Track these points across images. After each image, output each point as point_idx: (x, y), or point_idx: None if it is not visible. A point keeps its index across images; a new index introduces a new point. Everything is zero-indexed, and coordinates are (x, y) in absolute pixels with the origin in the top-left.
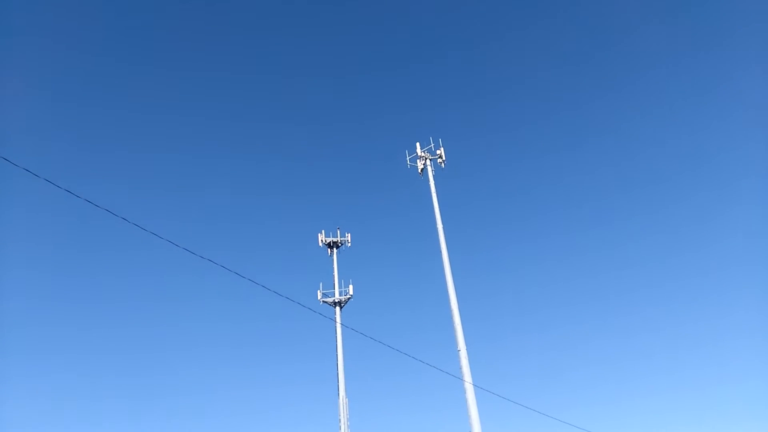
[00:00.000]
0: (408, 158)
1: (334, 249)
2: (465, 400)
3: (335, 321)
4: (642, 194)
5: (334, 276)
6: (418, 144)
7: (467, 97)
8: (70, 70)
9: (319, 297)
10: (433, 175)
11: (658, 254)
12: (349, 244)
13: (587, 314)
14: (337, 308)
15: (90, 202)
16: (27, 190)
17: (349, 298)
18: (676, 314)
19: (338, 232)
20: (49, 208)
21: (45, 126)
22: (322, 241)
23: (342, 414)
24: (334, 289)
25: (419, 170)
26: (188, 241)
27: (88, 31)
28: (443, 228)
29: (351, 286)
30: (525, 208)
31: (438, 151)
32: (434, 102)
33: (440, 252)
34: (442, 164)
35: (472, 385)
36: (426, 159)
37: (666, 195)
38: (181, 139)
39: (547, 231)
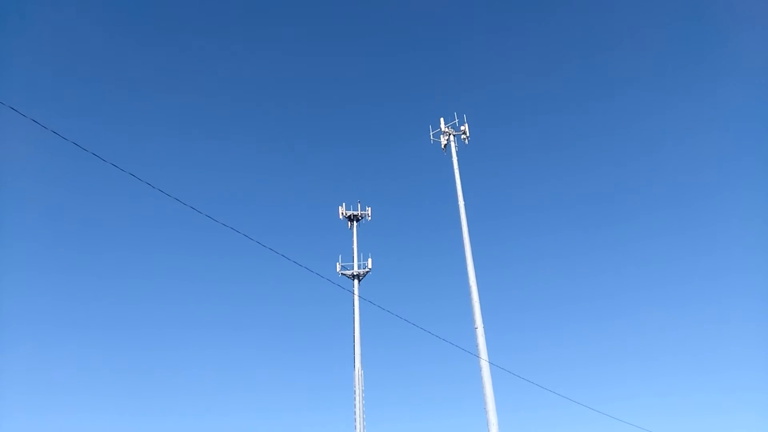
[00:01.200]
0: (431, 133)
1: (354, 222)
2: (480, 377)
3: (353, 293)
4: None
5: (353, 249)
6: (442, 119)
7: (495, 78)
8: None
9: (338, 269)
10: (456, 152)
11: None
12: (369, 218)
13: (611, 308)
14: (356, 281)
15: (135, 175)
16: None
17: (367, 272)
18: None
19: (359, 205)
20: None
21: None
22: (342, 213)
23: (357, 385)
24: (353, 262)
25: (443, 146)
26: (210, 208)
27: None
28: (465, 205)
29: (370, 260)
30: (542, 197)
31: (462, 127)
32: (461, 81)
33: (460, 229)
34: (466, 140)
35: (487, 363)
36: (450, 134)
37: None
38: (203, 120)
39: (566, 222)
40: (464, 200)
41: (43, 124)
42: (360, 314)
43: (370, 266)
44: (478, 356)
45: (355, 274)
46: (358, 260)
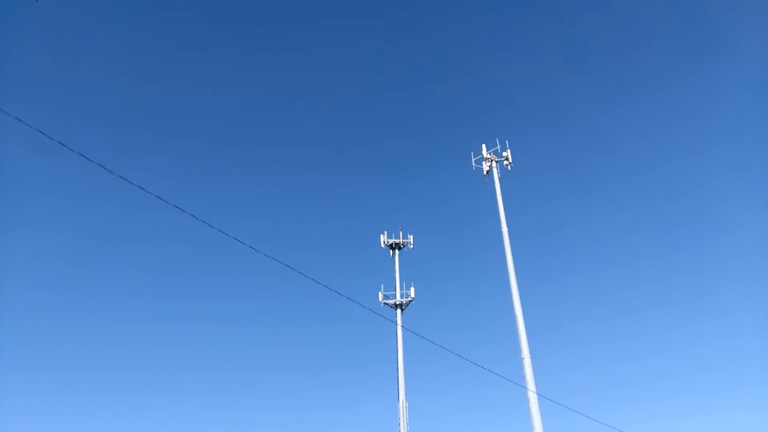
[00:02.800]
0: (473, 160)
1: (396, 250)
2: (528, 410)
3: (396, 323)
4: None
5: (395, 278)
6: (483, 146)
7: (536, 100)
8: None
9: (380, 299)
10: (499, 178)
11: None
12: (411, 246)
13: (658, 324)
14: (398, 310)
15: (144, 189)
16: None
17: (410, 301)
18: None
19: (400, 233)
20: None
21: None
22: (384, 242)
23: (402, 417)
24: (395, 291)
25: (485, 172)
26: (251, 239)
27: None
28: (508, 231)
29: (413, 289)
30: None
31: (504, 153)
32: (501, 104)
33: (504, 256)
34: (509, 166)
35: (535, 395)
36: (492, 161)
37: None
38: (243, 136)
39: (613, 233)
40: (508, 227)
41: (48, 135)
42: (403, 344)
43: (412, 295)
44: (525, 387)
45: (397, 303)
46: (401, 289)
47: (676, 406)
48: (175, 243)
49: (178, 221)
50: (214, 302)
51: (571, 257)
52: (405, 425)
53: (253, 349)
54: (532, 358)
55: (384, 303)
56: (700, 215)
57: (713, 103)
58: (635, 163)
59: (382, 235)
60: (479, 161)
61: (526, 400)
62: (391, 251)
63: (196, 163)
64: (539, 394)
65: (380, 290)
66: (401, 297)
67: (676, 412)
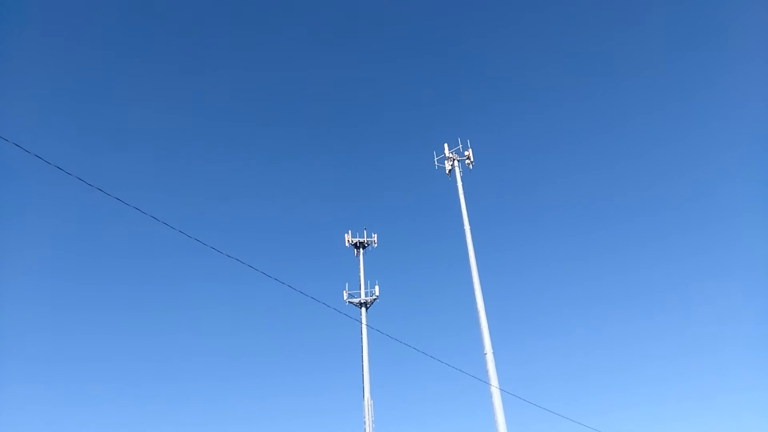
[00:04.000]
0: (436, 159)
1: (361, 249)
2: (491, 404)
3: (361, 322)
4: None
5: (360, 276)
6: (446, 145)
7: (494, 94)
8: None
9: (345, 297)
10: (461, 176)
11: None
12: (376, 245)
13: (612, 316)
14: (363, 309)
15: (129, 205)
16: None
17: (375, 299)
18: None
19: (365, 232)
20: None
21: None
22: (348, 241)
23: (367, 416)
24: (360, 289)
25: (447, 171)
26: (214, 240)
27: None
28: (470, 230)
29: (377, 287)
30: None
31: (466, 153)
32: (462, 100)
33: (467, 253)
34: (470, 165)
35: (498, 390)
36: (454, 160)
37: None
38: (208, 143)
39: (564, 230)
40: (470, 226)
41: (46, 160)
42: (368, 342)
43: (377, 294)
44: (488, 383)
45: (362, 302)
46: (366, 287)
47: (641, 397)
48: (137, 244)
49: (128, 213)
50: (170, 307)
51: (532, 251)
52: (371, 423)
53: (209, 352)
54: (494, 352)
55: (349, 302)
56: (674, 205)
57: (697, 90)
58: (603, 153)
59: (346, 234)
60: (441, 160)
61: (490, 395)
62: (355, 250)
63: (162, 160)
64: (502, 389)
65: (345, 289)
66: (366, 295)
67: (642, 403)
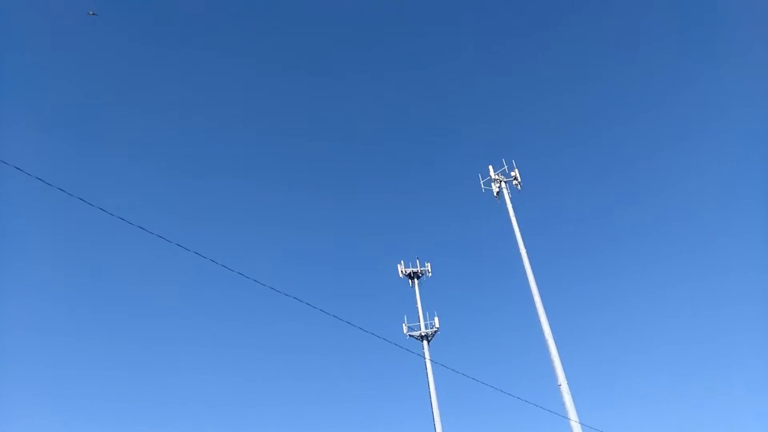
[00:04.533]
0: (482, 182)
1: (415, 279)
2: None
3: (424, 357)
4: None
5: (417, 308)
6: (491, 167)
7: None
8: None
9: (404, 331)
10: (510, 198)
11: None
12: (430, 274)
13: (696, 336)
14: (425, 342)
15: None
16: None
17: (435, 331)
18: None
19: (417, 262)
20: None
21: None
22: (402, 272)
23: None
24: (418, 321)
25: (495, 194)
26: (270, 279)
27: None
28: (527, 252)
29: (437, 318)
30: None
31: (512, 173)
32: (507, 122)
33: (526, 279)
34: (518, 186)
35: (578, 424)
36: (501, 181)
37: None
38: (261, 174)
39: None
40: (526, 247)
41: (48, 182)
42: (433, 375)
43: (437, 325)
44: (566, 417)
45: (423, 334)
46: (424, 319)
47: (728, 420)
48: (197, 286)
49: (196, 262)
50: (237, 341)
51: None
52: None
53: (273, 383)
54: (570, 384)
55: (409, 335)
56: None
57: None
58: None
59: (399, 265)
60: (488, 182)
61: (569, 430)
62: (410, 281)
63: (203, 196)
64: (582, 423)
65: (404, 322)
66: (426, 327)
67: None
